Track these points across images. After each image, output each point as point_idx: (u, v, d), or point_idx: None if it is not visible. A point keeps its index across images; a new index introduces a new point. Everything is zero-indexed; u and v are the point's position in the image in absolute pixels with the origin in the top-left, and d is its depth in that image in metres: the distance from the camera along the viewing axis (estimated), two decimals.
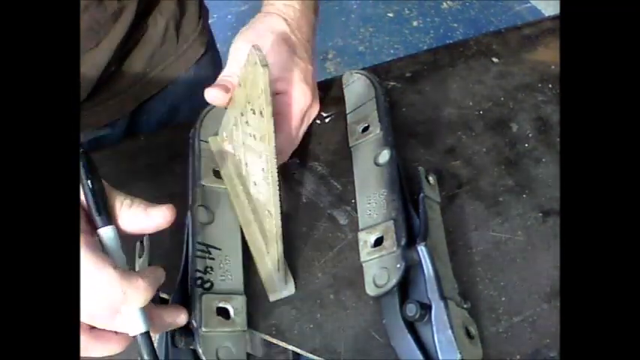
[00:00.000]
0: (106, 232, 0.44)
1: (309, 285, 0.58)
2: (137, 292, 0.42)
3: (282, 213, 0.53)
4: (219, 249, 0.56)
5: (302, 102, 0.59)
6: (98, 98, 0.73)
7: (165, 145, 0.67)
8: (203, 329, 0.51)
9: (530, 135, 0.70)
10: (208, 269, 0.54)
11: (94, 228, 0.44)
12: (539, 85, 0.75)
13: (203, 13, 0.81)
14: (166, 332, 0.50)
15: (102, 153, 0.66)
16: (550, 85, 0.74)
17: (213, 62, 0.66)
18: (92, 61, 0.69)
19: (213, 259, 0.55)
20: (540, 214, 0.64)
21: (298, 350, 0.55)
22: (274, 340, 0.55)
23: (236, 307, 0.54)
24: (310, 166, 0.66)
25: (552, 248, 0.61)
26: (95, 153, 0.65)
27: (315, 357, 0.54)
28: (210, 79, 0.60)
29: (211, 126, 0.63)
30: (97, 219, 0.44)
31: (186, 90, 0.80)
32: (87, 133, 0.75)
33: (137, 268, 0.55)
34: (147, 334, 0.44)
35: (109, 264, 0.41)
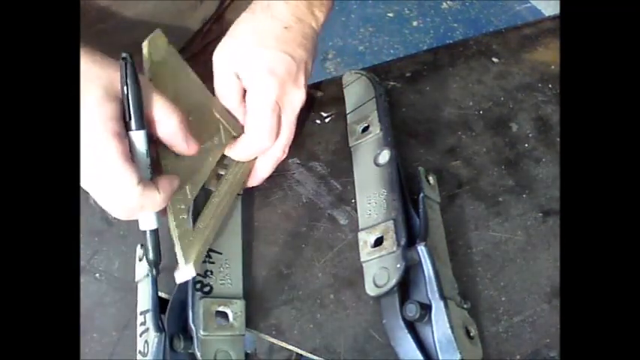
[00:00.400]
0: (137, 136, 0.47)
1: (309, 285, 0.58)
2: (153, 204, 0.47)
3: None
4: (220, 253, 0.56)
5: (268, 94, 0.57)
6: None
7: None
8: (202, 333, 0.51)
9: (530, 135, 0.70)
10: (208, 273, 0.54)
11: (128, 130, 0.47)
12: (539, 85, 0.75)
13: None
14: (165, 336, 0.50)
15: None
16: (550, 85, 0.74)
17: None
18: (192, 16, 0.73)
19: (213, 262, 0.55)
20: (540, 214, 0.64)
21: (298, 350, 0.55)
22: (274, 340, 0.55)
23: (235, 311, 0.53)
24: (310, 166, 0.66)
25: (552, 248, 0.61)
26: None
27: (315, 357, 0.54)
28: None
29: None
30: (130, 122, 0.46)
31: None
32: None
33: (136, 275, 0.55)
34: (155, 231, 0.49)
35: (134, 179, 0.45)
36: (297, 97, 0.59)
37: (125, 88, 0.46)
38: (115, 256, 0.59)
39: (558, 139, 0.69)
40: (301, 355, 0.55)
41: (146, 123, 0.47)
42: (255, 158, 0.60)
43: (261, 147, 0.58)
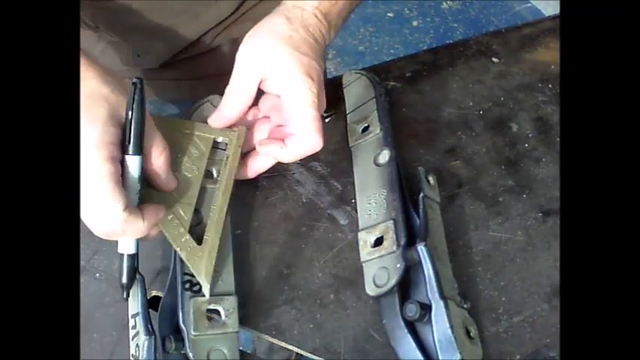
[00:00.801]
0: (132, 161, 0.47)
1: (309, 285, 0.58)
2: (136, 232, 0.48)
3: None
4: None
5: (310, 95, 0.57)
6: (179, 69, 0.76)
7: None
8: (192, 333, 0.50)
9: (530, 135, 0.70)
10: None
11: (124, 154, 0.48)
12: (539, 85, 0.75)
13: None
14: (155, 339, 0.49)
15: None
16: (550, 85, 0.74)
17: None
18: (208, 14, 0.73)
19: None
20: (540, 214, 0.64)
21: (298, 350, 0.55)
22: (274, 340, 0.55)
23: (227, 308, 0.53)
24: (310, 166, 0.66)
25: (552, 248, 0.61)
26: None
27: (315, 357, 0.54)
28: None
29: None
30: (128, 146, 0.47)
31: None
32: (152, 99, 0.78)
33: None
34: (133, 256, 0.50)
35: (121, 204, 0.46)
36: (322, 106, 0.59)
37: (130, 112, 0.47)
38: (115, 256, 0.58)
39: (558, 139, 0.69)
40: (301, 355, 0.55)
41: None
42: (243, 155, 0.60)
43: (316, 147, 0.57)
